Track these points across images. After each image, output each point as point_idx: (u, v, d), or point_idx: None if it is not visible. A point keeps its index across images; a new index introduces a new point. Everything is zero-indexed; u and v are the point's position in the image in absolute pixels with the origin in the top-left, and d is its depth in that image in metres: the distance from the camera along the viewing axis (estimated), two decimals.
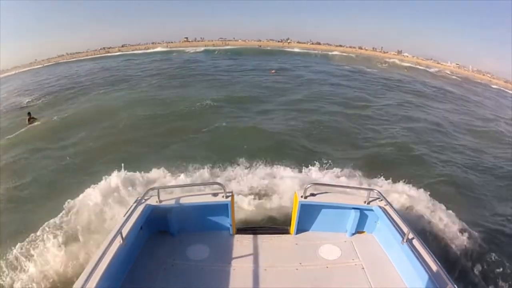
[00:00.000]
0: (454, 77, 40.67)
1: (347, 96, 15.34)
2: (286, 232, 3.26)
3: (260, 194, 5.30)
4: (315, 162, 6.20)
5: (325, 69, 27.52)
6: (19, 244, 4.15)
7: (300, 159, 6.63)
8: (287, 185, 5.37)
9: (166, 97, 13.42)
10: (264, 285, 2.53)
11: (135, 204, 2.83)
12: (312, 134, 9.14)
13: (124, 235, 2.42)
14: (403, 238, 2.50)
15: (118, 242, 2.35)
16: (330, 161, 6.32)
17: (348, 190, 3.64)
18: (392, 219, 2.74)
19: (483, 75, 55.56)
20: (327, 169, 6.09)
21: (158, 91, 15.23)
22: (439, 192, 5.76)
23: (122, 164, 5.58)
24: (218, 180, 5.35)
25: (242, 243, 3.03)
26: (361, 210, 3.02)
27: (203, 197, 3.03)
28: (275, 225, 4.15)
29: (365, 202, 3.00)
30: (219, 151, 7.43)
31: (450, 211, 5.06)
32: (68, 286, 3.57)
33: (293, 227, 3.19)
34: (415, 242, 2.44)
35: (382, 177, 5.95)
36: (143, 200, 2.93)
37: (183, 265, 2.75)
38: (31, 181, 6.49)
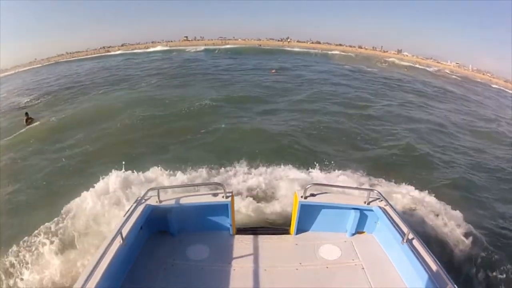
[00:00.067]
0: (454, 76, 40.68)
1: (348, 96, 15.32)
2: (286, 232, 3.26)
3: (260, 194, 5.30)
4: (315, 163, 6.19)
5: (325, 69, 27.50)
6: (15, 249, 4.07)
7: (300, 159, 6.61)
8: (287, 185, 5.38)
9: (166, 97, 13.38)
10: (264, 285, 2.53)
11: (135, 204, 2.83)
12: (313, 134, 9.12)
13: (124, 235, 2.42)
14: (403, 238, 2.50)
15: (118, 242, 2.36)
16: (331, 162, 6.32)
17: (348, 190, 3.64)
18: (392, 219, 2.74)
19: (483, 74, 55.59)
20: (328, 170, 6.08)
21: (158, 91, 15.19)
22: (441, 193, 5.74)
23: (121, 166, 5.52)
24: (218, 180, 5.34)
25: (242, 243, 3.03)
26: (361, 210, 3.02)
27: (203, 197, 3.03)
28: (275, 225, 4.16)
29: (365, 202, 3.00)
30: (219, 152, 7.42)
31: (452, 212, 5.06)
32: (68, 287, 3.58)
33: (293, 227, 3.19)
34: (415, 242, 2.44)
35: (384, 178, 5.96)
36: (143, 200, 2.93)
37: (183, 265, 2.75)
38: (28, 184, 6.40)
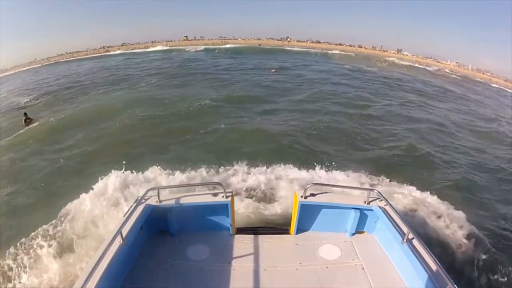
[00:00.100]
0: (454, 76, 40.64)
1: (348, 96, 15.32)
2: (286, 232, 3.26)
3: (260, 194, 5.30)
4: (316, 163, 6.18)
5: (325, 68, 27.49)
6: (13, 251, 4.04)
7: (300, 159, 6.60)
8: (287, 185, 5.37)
9: (165, 97, 13.37)
10: (264, 285, 2.53)
11: (135, 204, 2.83)
12: (313, 134, 9.11)
13: (124, 235, 2.42)
14: (403, 238, 2.50)
15: (118, 242, 2.36)
16: (331, 162, 6.30)
17: (348, 190, 3.64)
18: (392, 219, 2.74)
19: (483, 73, 55.56)
20: (328, 170, 6.06)
21: (158, 91, 15.18)
22: (443, 193, 5.74)
23: (120, 166, 5.49)
24: (218, 180, 5.33)
25: (242, 243, 3.03)
26: (361, 210, 3.02)
27: (203, 197, 3.03)
28: (275, 225, 4.16)
29: (365, 202, 3.01)
30: (219, 152, 7.41)
31: (453, 212, 5.05)
32: (68, 287, 3.58)
33: (293, 227, 3.19)
34: (415, 242, 2.44)
35: (385, 178, 5.96)
36: (143, 200, 2.93)
37: (183, 265, 2.75)
38: (26, 185, 6.35)
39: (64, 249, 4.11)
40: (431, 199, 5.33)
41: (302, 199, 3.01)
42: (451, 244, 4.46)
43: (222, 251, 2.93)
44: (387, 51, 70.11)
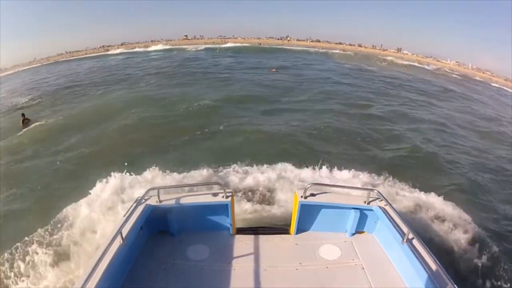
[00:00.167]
0: (454, 75, 40.52)
1: (349, 95, 15.30)
2: (286, 232, 3.27)
3: (260, 194, 5.29)
4: (316, 163, 6.16)
5: (325, 67, 27.46)
6: (10, 257, 3.97)
7: (301, 159, 6.57)
8: (287, 185, 5.37)
9: (165, 97, 13.35)
10: (264, 285, 2.53)
11: (135, 204, 2.83)
12: (313, 134, 9.08)
13: (124, 235, 2.42)
14: (403, 238, 2.50)
15: (118, 242, 2.36)
16: (332, 162, 6.28)
17: (348, 190, 3.64)
18: (392, 219, 2.74)
19: (483, 73, 55.44)
20: (329, 170, 6.03)
21: (158, 90, 15.14)
22: (446, 194, 5.69)
23: (119, 168, 5.42)
24: (218, 180, 5.32)
25: (242, 243, 3.03)
26: (361, 210, 3.02)
27: (203, 197, 3.03)
28: (275, 225, 4.16)
29: (365, 202, 3.01)
30: (219, 152, 7.41)
31: (455, 212, 5.04)
32: (68, 287, 3.57)
33: (293, 227, 3.19)
34: (415, 242, 2.44)
35: (388, 179, 5.93)
36: (143, 200, 2.93)
37: (183, 265, 2.75)
38: (22, 189, 6.17)
39: (61, 255, 4.01)
40: (435, 200, 5.30)
41: (302, 199, 3.01)
42: (452, 245, 4.45)
43: (222, 251, 2.93)
44: (387, 50, 70.00)
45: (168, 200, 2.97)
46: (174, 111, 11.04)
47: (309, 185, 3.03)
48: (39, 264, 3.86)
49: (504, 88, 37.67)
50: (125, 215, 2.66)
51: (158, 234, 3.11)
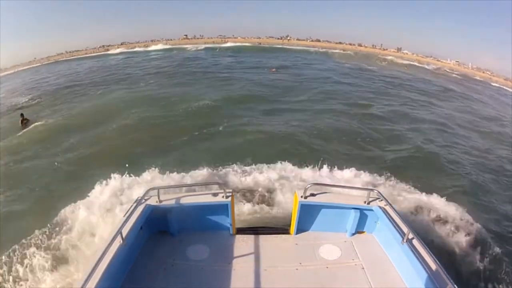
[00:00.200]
0: (454, 75, 40.46)
1: (349, 95, 15.29)
2: (286, 232, 3.27)
3: (260, 194, 5.29)
4: (317, 163, 6.14)
5: (325, 67, 27.44)
6: (8, 260, 3.92)
7: (301, 159, 6.55)
8: (287, 185, 5.36)
9: (165, 96, 13.33)
10: (264, 285, 2.53)
11: (135, 204, 2.83)
12: (314, 134, 9.05)
13: (124, 235, 2.42)
14: (403, 238, 2.51)
15: (118, 242, 2.36)
16: (333, 162, 6.25)
17: (348, 190, 3.64)
18: (392, 219, 2.75)
19: (483, 72, 55.34)
20: (330, 170, 6.01)
21: (158, 90, 15.12)
22: (447, 194, 5.69)
23: (118, 170, 5.36)
24: (218, 180, 5.31)
25: (242, 243, 3.04)
26: (361, 210, 3.03)
27: (203, 197, 3.03)
28: (275, 225, 4.16)
29: (365, 202, 3.01)
30: (219, 152, 7.40)
31: (456, 213, 5.02)
32: (68, 287, 3.57)
33: (293, 227, 3.19)
34: (415, 242, 2.45)
35: (389, 179, 5.92)
36: (143, 200, 2.94)
37: (183, 265, 2.75)
38: (20, 191, 6.06)
39: (59, 258, 3.96)
40: (437, 201, 5.27)
41: (302, 199, 3.01)
42: (453, 245, 4.43)
43: (222, 251, 2.93)
44: (387, 49, 69.91)
45: (168, 200, 2.97)
46: (174, 111, 11.02)
47: (309, 185, 3.03)
48: (38, 268, 3.81)
49: (504, 87, 37.65)
50: (125, 215, 2.66)
51: (158, 234, 3.11)
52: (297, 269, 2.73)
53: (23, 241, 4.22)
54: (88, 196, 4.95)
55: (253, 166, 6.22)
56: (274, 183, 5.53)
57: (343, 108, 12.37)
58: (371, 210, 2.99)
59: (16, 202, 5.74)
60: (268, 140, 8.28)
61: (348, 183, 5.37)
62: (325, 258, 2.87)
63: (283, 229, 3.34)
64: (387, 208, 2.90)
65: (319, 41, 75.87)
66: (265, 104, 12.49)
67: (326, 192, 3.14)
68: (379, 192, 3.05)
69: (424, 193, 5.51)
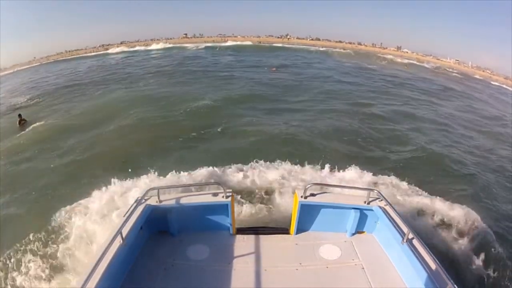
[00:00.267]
0: (454, 73, 40.34)
1: (349, 94, 15.26)
2: (286, 232, 3.27)
3: (260, 194, 5.29)
4: (318, 163, 6.15)
5: (325, 66, 27.42)
6: (2, 268, 3.88)
7: (302, 159, 6.53)
8: (287, 185, 5.36)
9: (165, 96, 13.29)
10: (264, 285, 2.53)
11: (135, 204, 2.83)
12: (315, 133, 9.03)
13: (124, 235, 2.42)
14: (403, 238, 2.50)
15: (118, 242, 2.36)
16: (334, 162, 6.24)
17: (348, 190, 3.64)
18: (392, 219, 2.75)
19: (483, 71, 55.19)
20: (331, 170, 6.00)
21: (158, 90, 15.07)
22: (449, 194, 5.68)
23: (117, 172, 5.33)
24: (218, 180, 5.30)
25: (242, 243, 3.04)
26: (361, 210, 3.03)
27: (203, 197, 3.03)
28: (275, 225, 4.16)
29: (365, 202, 3.01)
30: (219, 152, 7.39)
31: (459, 214, 5.00)
32: (68, 287, 3.57)
33: (293, 227, 3.19)
34: (415, 242, 2.45)
35: (391, 180, 5.89)
36: (143, 200, 2.94)
37: (183, 265, 2.75)
38: (15, 195, 5.96)
39: (56, 266, 3.91)
40: (439, 202, 5.25)
41: (302, 199, 3.01)
42: (454, 246, 4.41)
43: (222, 251, 2.93)
44: (386, 48, 69.75)
45: (168, 200, 2.97)
46: (174, 111, 10.97)
47: (309, 185, 3.03)
48: (34, 274, 3.79)
49: (504, 86, 37.61)
50: (125, 215, 2.66)
51: (158, 234, 3.11)
52: (297, 269, 2.73)
53: (20, 247, 4.16)
54: (86, 199, 4.88)
55: (253, 165, 6.21)
56: (274, 183, 5.52)
57: (343, 107, 12.34)
58: (371, 210, 2.99)
59: (12, 206, 5.61)
60: (268, 140, 8.26)
61: (349, 183, 5.36)
62: (325, 258, 2.88)
63: (283, 229, 3.34)
64: (387, 208, 2.90)
65: (319, 40, 75.67)
66: (266, 104, 12.46)
67: (326, 192, 3.14)
68: (379, 192, 3.05)
69: (426, 193, 5.51)
